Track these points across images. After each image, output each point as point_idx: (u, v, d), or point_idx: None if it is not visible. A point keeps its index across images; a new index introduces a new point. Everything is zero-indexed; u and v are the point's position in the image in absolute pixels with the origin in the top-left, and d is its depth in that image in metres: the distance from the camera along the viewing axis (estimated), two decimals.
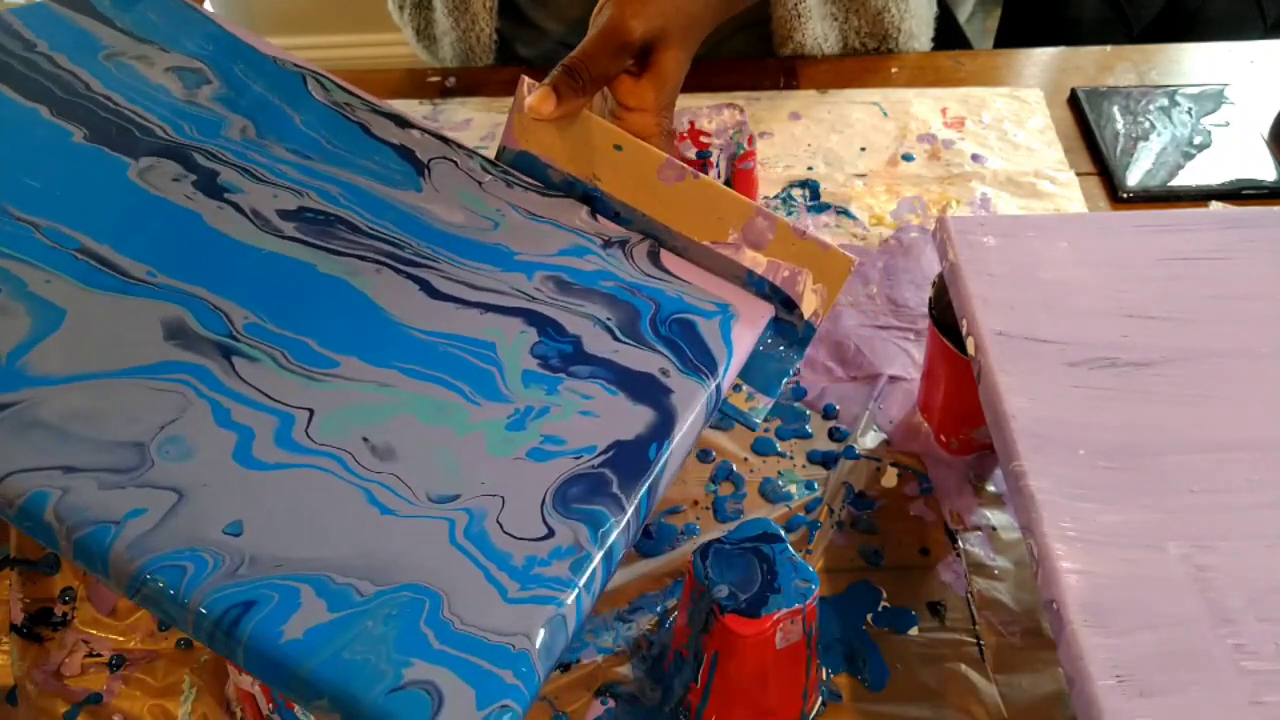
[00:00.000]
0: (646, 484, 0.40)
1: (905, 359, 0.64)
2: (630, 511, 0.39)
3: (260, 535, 0.34)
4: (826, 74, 0.83)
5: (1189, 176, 0.74)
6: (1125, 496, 0.42)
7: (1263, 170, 0.74)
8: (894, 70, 0.84)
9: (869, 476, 0.58)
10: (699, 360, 0.45)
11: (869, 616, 0.53)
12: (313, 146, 0.51)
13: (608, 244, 0.49)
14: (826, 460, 0.59)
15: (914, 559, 0.55)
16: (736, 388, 0.48)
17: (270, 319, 0.42)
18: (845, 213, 0.72)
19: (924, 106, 0.80)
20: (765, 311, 0.49)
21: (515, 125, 0.52)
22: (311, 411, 0.39)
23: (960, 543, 0.56)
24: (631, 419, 0.42)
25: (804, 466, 0.59)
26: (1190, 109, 0.78)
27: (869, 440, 0.60)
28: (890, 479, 0.58)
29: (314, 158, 0.50)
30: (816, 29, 0.82)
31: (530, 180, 0.52)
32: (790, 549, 0.44)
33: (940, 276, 0.55)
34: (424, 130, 0.53)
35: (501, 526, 0.37)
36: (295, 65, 0.55)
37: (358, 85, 0.57)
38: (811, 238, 0.48)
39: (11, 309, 0.39)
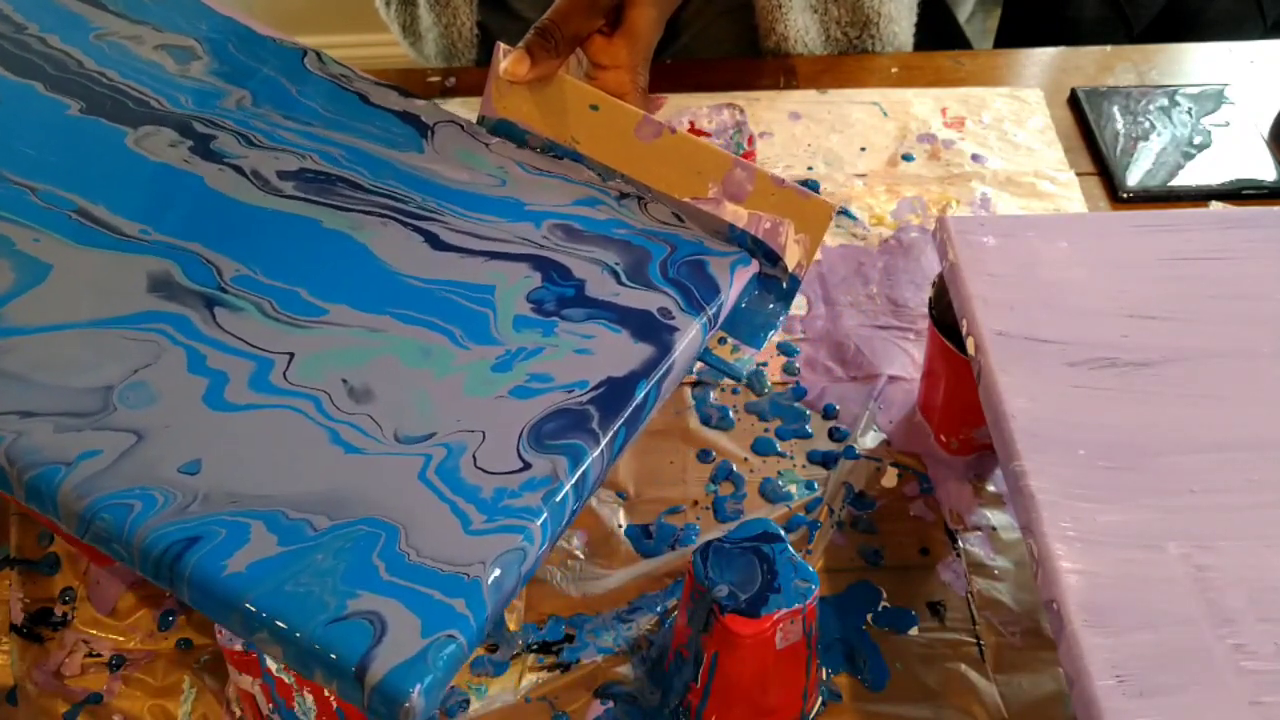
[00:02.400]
0: (624, 419, 0.40)
1: (905, 359, 0.64)
2: (605, 444, 0.39)
3: (218, 473, 0.34)
4: (826, 74, 0.83)
5: (1189, 176, 0.74)
6: (1125, 496, 0.42)
7: (1263, 170, 0.74)
8: (894, 70, 0.84)
9: (869, 476, 0.58)
10: (704, 299, 0.45)
11: (869, 616, 0.53)
12: (311, 114, 0.51)
13: (622, 196, 0.49)
14: (826, 460, 0.59)
15: (914, 559, 0.55)
16: (721, 340, 0.48)
17: (263, 271, 0.42)
18: (845, 213, 0.72)
19: (924, 106, 0.80)
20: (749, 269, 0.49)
21: (493, 92, 0.52)
22: (291, 355, 0.39)
23: (960, 543, 0.56)
24: (629, 355, 0.42)
25: (804, 466, 0.59)
26: (1190, 109, 0.78)
27: (869, 440, 0.60)
28: (890, 479, 0.58)
29: (314, 124, 0.50)
30: (798, 20, 0.82)
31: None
32: (790, 549, 0.44)
33: (940, 276, 0.55)
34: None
35: (476, 461, 0.37)
36: (293, 44, 0.55)
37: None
38: (790, 186, 0.47)
39: None
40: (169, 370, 0.37)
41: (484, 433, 0.38)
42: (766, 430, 0.60)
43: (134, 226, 0.42)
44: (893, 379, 0.63)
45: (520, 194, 0.49)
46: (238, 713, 0.49)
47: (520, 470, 0.37)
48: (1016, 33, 1.17)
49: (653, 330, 0.44)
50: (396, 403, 0.38)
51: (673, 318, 0.44)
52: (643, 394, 0.41)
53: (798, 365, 0.63)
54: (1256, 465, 0.43)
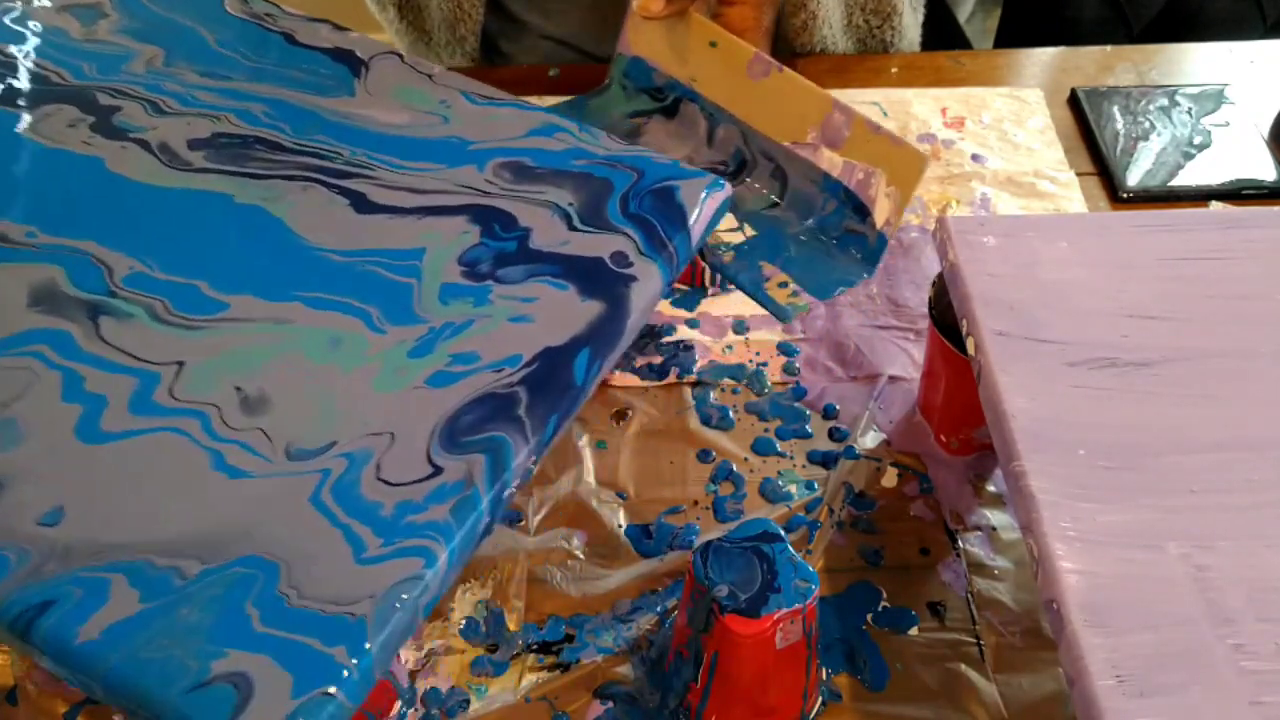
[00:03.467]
0: (560, 399, 0.36)
1: (905, 359, 0.64)
2: (532, 433, 0.35)
3: (81, 521, 0.31)
4: (827, 74, 0.83)
5: (1189, 176, 0.74)
6: (1125, 496, 0.42)
7: (1263, 170, 0.74)
8: (894, 70, 0.84)
9: (869, 476, 0.58)
10: (668, 234, 0.41)
11: (869, 616, 0.53)
12: (229, 65, 0.47)
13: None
14: (826, 460, 0.59)
15: (914, 559, 0.55)
16: (783, 284, 0.46)
17: (159, 265, 0.38)
18: None
19: (924, 106, 0.80)
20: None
21: (628, 29, 0.51)
22: (181, 365, 0.36)
23: (960, 543, 0.56)
24: (573, 317, 0.38)
25: (804, 466, 0.59)
26: (1190, 109, 0.78)
27: (869, 440, 0.60)
28: (890, 479, 0.58)
29: (233, 77, 0.46)
30: (827, 1, 0.82)
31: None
32: (790, 549, 0.44)
33: (940, 276, 0.55)
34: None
35: (379, 472, 0.33)
36: None
37: None
38: (885, 133, 0.46)
39: None
40: (40, 401, 0.34)
41: (392, 434, 0.34)
42: (766, 430, 0.60)
43: (20, 230, 0.39)
44: (893, 379, 0.63)
45: (465, 131, 0.45)
46: None
47: (429, 477, 0.33)
48: (1016, 33, 1.17)
49: (604, 282, 0.39)
50: (294, 410, 0.35)
51: (629, 264, 0.40)
52: (584, 365, 0.37)
53: (798, 365, 0.63)
54: (1256, 465, 0.43)
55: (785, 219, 0.48)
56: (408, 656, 0.52)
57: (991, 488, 0.58)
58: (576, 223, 0.42)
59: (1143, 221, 0.54)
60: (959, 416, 0.57)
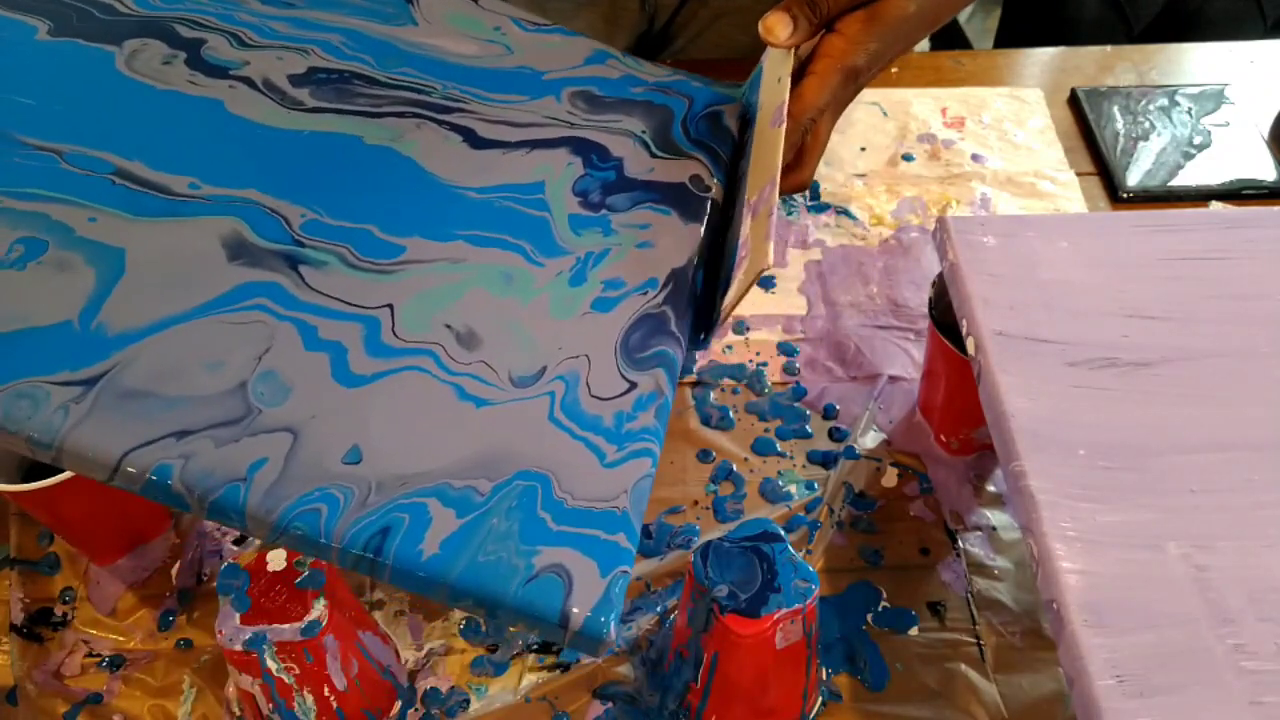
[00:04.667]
0: (692, 311, 0.41)
1: (905, 359, 0.64)
2: (685, 344, 0.40)
3: (378, 458, 0.34)
4: None
5: (1189, 176, 0.74)
6: (1125, 496, 0.42)
7: (1263, 170, 0.74)
8: (894, 70, 0.84)
9: (869, 476, 0.58)
10: (724, 153, 0.46)
11: (869, 616, 0.53)
12: None
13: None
14: (826, 460, 0.59)
15: (914, 559, 0.55)
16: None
17: (327, 211, 0.40)
18: (845, 213, 0.72)
19: (924, 106, 0.80)
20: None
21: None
22: (391, 307, 0.38)
23: (960, 543, 0.56)
24: (683, 240, 0.43)
25: (804, 466, 0.59)
26: (1190, 109, 0.78)
27: (869, 440, 0.60)
28: (890, 479, 0.58)
29: (295, 4, 0.46)
30: None
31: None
32: (790, 549, 0.44)
33: (940, 276, 0.55)
34: None
35: (590, 389, 0.38)
36: None
37: None
38: (758, 222, 0.43)
39: (70, 261, 0.36)
40: (288, 352, 0.36)
41: (587, 356, 0.38)
42: (766, 430, 0.60)
43: (181, 182, 0.39)
44: (893, 379, 0.63)
45: (531, 60, 0.47)
46: (238, 713, 0.49)
47: (628, 391, 0.38)
48: (1016, 33, 1.17)
49: (694, 205, 0.44)
50: (501, 342, 0.38)
51: (706, 186, 0.45)
52: (700, 279, 0.42)
53: (798, 365, 0.63)
54: (1256, 465, 0.43)
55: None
56: (407, 656, 0.52)
57: (991, 488, 0.58)
58: (654, 149, 0.45)
59: (1143, 221, 0.54)
60: (959, 416, 0.57)
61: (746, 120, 0.50)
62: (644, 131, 0.46)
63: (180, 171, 0.39)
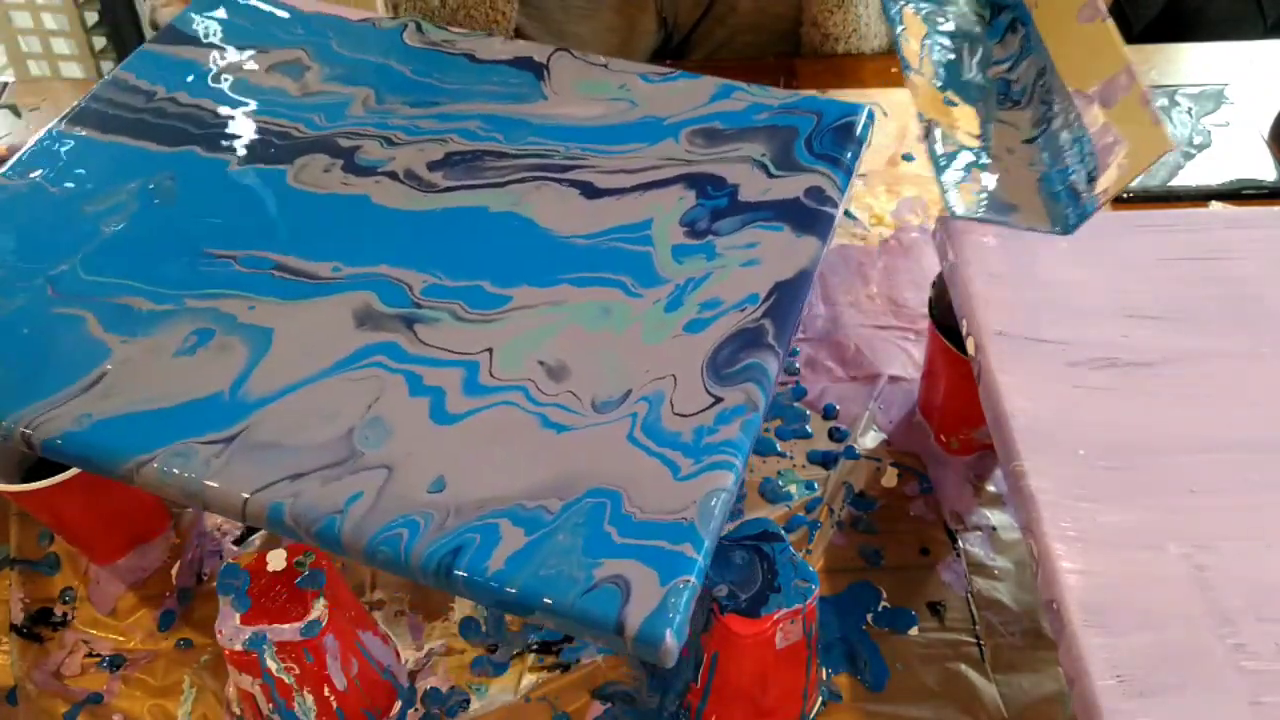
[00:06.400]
0: (795, 322, 0.44)
1: (905, 359, 0.64)
2: (782, 353, 0.43)
3: (461, 486, 0.38)
4: (827, 74, 0.83)
5: (1189, 176, 0.74)
6: (1125, 496, 0.42)
7: (1263, 170, 0.74)
8: (894, 70, 0.84)
9: (869, 476, 0.58)
10: (851, 160, 0.49)
11: (869, 616, 0.53)
12: (432, 92, 0.53)
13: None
14: (826, 460, 0.59)
15: (914, 559, 0.55)
16: (976, 191, 0.48)
17: (446, 274, 0.45)
18: (845, 213, 0.72)
19: None
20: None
21: None
22: (490, 350, 0.42)
23: (960, 543, 0.56)
24: (795, 253, 0.46)
25: (804, 466, 0.59)
26: (1190, 109, 0.78)
27: (869, 440, 0.60)
28: (890, 479, 0.58)
29: (440, 102, 0.53)
30: None
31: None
32: (790, 549, 0.44)
33: (940, 276, 0.55)
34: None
35: (673, 407, 0.40)
36: (390, 20, 0.57)
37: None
38: (1151, 110, 0.45)
39: (230, 344, 0.42)
40: (395, 400, 0.41)
41: (674, 376, 0.41)
42: (767, 430, 0.60)
43: (326, 267, 0.45)
44: (893, 379, 0.63)
45: (654, 109, 0.52)
46: (238, 713, 0.49)
47: (712, 405, 0.40)
48: None
49: (810, 217, 0.47)
50: (589, 371, 0.42)
51: (827, 197, 0.48)
52: (807, 287, 0.45)
53: (797, 365, 0.63)
54: (1256, 465, 0.43)
55: (1023, 151, 0.48)
56: (408, 656, 0.52)
57: (991, 488, 0.58)
58: (772, 170, 0.49)
59: (1143, 221, 0.54)
60: (959, 416, 0.57)
61: (1017, 24, 0.52)
62: (763, 154, 0.50)
63: (325, 259, 0.46)
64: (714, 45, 0.88)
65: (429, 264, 0.45)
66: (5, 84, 0.83)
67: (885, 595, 0.54)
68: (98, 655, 0.52)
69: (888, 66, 0.84)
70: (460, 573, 0.36)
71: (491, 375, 0.42)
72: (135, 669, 0.51)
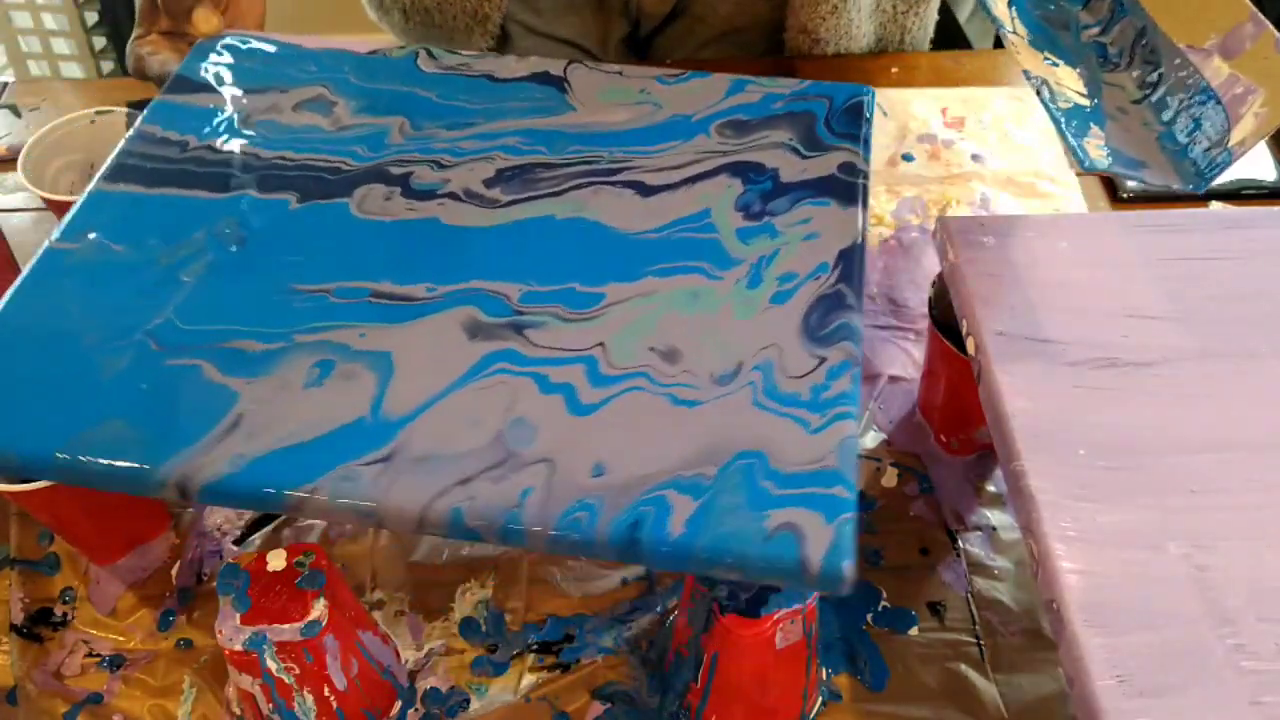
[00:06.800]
0: (862, 284, 0.48)
1: (905, 359, 0.64)
2: (860, 315, 0.47)
3: (619, 467, 0.41)
4: (827, 74, 0.83)
5: None
6: (1125, 496, 0.42)
7: (1263, 170, 0.74)
8: (894, 70, 0.84)
9: (869, 476, 0.58)
10: (866, 138, 0.54)
11: (869, 616, 0.53)
12: (464, 114, 0.55)
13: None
14: None
15: (914, 559, 0.55)
16: (1100, 146, 0.48)
17: (537, 281, 0.48)
18: None
19: (924, 106, 0.80)
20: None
21: None
22: (603, 344, 0.45)
23: (960, 543, 0.56)
24: (845, 223, 0.50)
25: None
26: None
27: (869, 440, 0.60)
28: (890, 479, 0.58)
29: (475, 123, 0.55)
30: None
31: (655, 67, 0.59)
32: None
33: (940, 276, 0.55)
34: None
35: (785, 372, 0.44)
36: (399, 50, 0.59)
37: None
38: (1254, 60, 0.45)
39: (354, 371, 0.44)
40: (528, 400, 0.43)
41: (777, 345, 0.45)
42: None
43: (420, 289, 0.47)
44: (893, 379, 0.63)
45: (678, 108, 0.55)
46: (238, 712, 0.49)
47: (819, 365, 0.44)
48: None
49: (849, 190, 0.51)
50: (699, 351, 0.45)
51: (858, 169, 0.52)
52: (864, 251, 0.49)
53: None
54: (1256, 465, 0.43)
55: (1135, 111, 0.47)
56: (408, 656, 0.52)
57: (991, 488, 0.58)
58: (804, 152, 0.53)
59: (1143, 221, 0.54)
60: (959, 416, 0.57)
61: None
62: (791, 139, 0.53)
63: (418, 281, 0.48)
64: (692, 47, 0.88)
65: (517, 274, 0.48)
66: (5, 84, 0.83)
67: (885, 595, 0.54)
68: (98, 655, 0.52)
69: (887, 67, 0.84)
70: (646, 544, 0.39)
71: (611, 365, 0.44)
72: (135, 669, 0.51)
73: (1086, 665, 0.37)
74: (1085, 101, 0.48)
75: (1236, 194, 0.72)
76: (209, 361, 0.44)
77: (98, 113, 0.65)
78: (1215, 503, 0.42)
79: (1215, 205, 0.72)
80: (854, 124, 0.54)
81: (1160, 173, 0.47)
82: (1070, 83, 0.49)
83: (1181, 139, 0.47)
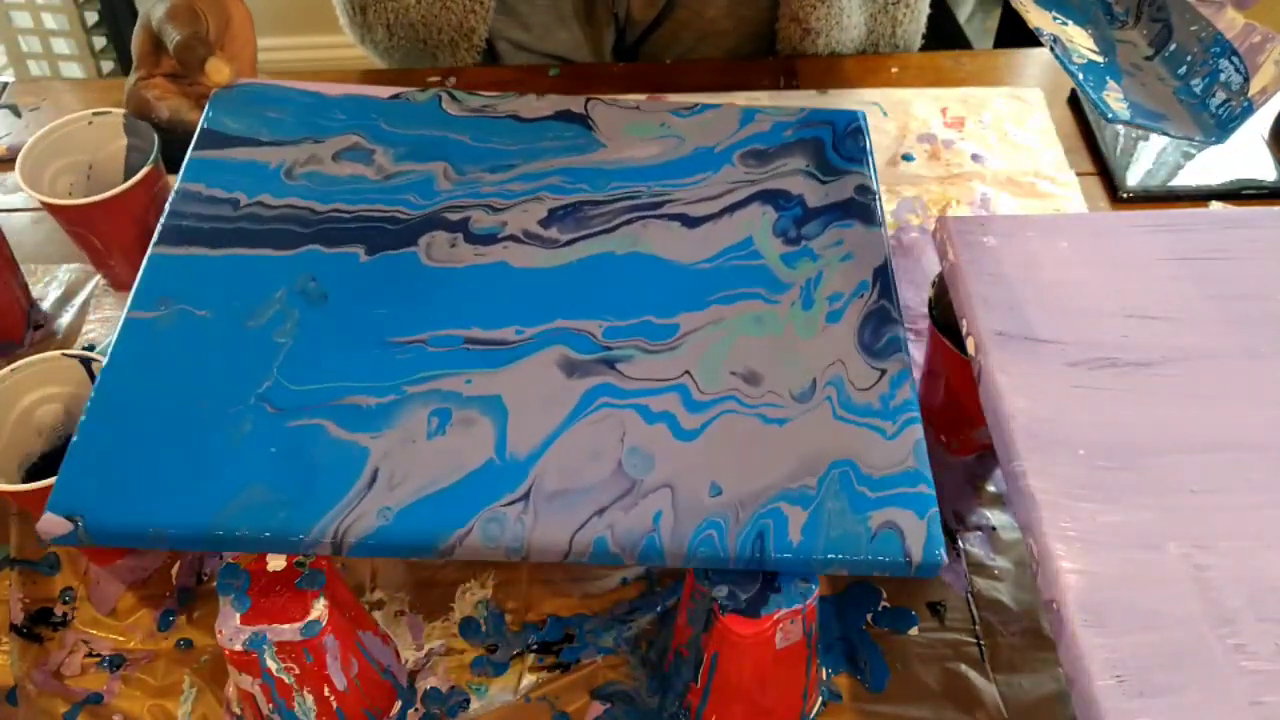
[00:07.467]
0: (896, 294, 0.52)
1: None
2: (903, 321, 0.51)
3: (733, 486, 0.44)
4: (827, 74, 0.83)
5: (1189, 176, 0.74)
6: (1125, 496, 0.42)
7: (1263, 170, 0.74)
8: (894, 70, 0.84)
9: None
10: (871, 156, 0.58)
11: (869, 616, 0.53)
12: (501, 156, 0.57)
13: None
14: None
15: None
16: (1120, 99, 0.48)
17: (614, 316, 0.50)
18: None
19: (924, 106, 0.80)
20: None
21: None
22: (689, 372, 0.48)
23: (960, 543, 0.56)
24: (872, 243, 0.54)
25: None
26: None
27: None
28: None
29: (515, 164, 0.56)
30: None
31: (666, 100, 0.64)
32: None
33: (940, 276, 0.55)
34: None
35: (855, 385, 0.48)
36: (421, 93, 0.60)
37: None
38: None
39: (470, 417, 0.46)
40: (637, 430, 0.46)
41: (841, 361, 0.49)
42: None
43: (509, 332, 0.49)
44: None
45: (699, 140, 0.58)
46: (238, 712, 0.49)
47: (881, 377, 0.48)
48: (1016, 33, 1.16)
49: (868, 210, 0.55)
50: (775, 372, 0.48)
51: (870, 191, 0.56)
52: (892, 267, 0.53)
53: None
54: (1256, 465, 0.43)
55: (1148, 68, 0.48)
56: (407, 656, 0.52)
57: (991, 488, 0.58)
58: (821, 177, 0.56)
59: (1143, 221, 0.54)
60: (959, 416, 0.57)
61: None
62: (808, 165, 0.57)
63: (505, 325, 0.49)
64: (684, 47, 0.88)
65: (594, 311, 0.50)
66: (5, 84, 0.83)
67: (885, 595, 0.54)
68: (98, 655, 0.52)
69: (887, 66, 0.84)
70: (771, 553, 0.42)
71: (701, 391, 0.47)
72: (135, 669, 0.51)
73: (1086, 665, 0.37)
74: (1098, 58, 0.48)
75: (1236, 194, 0.72)
76: (329, 420, 0.45)
77: (95, 114, 0.65)
78: (1215, 503, 0.42)
79: (1215, 205, 0.72)
80: (858, 147, 0.58)
81: (1181, 126, 0.47)
82: (1081, 40, 0.49)
83: (1198, 92, 0.47)
